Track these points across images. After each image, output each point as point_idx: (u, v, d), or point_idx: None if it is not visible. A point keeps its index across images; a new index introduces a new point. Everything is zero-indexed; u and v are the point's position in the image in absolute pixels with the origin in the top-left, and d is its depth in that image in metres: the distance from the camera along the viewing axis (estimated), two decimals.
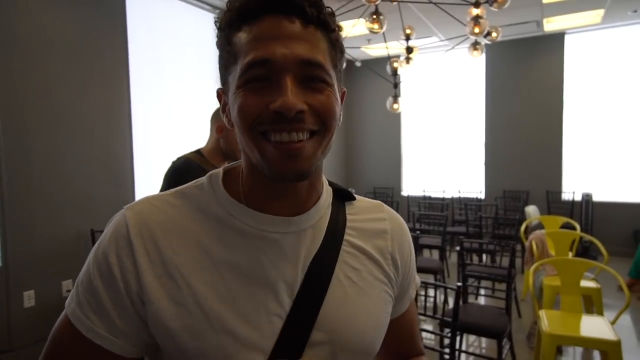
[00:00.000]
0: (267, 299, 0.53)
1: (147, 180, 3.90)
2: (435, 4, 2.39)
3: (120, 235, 0.53)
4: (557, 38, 6.08)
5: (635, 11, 5.11)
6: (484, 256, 4.68)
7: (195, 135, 4.22)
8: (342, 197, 0.64)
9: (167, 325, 0.51)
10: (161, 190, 1.84)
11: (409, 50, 3.60)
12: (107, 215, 3.35)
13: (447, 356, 2.07)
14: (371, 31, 2.60)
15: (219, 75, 0.57)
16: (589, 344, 2.56)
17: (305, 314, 0.54)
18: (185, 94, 4.44)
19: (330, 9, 0.53)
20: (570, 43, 6.08)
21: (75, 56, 3.28)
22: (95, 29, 3.42)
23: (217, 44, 0.56)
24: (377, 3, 2.41)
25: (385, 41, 3.72)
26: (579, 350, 3.13)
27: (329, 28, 0.52)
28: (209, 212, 0.56)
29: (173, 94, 4.31)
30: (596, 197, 5.78)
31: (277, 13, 0.50)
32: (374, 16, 2.52)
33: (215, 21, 0.55)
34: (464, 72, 6.80)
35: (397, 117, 7.21)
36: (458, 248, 3.05)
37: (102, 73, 3.46)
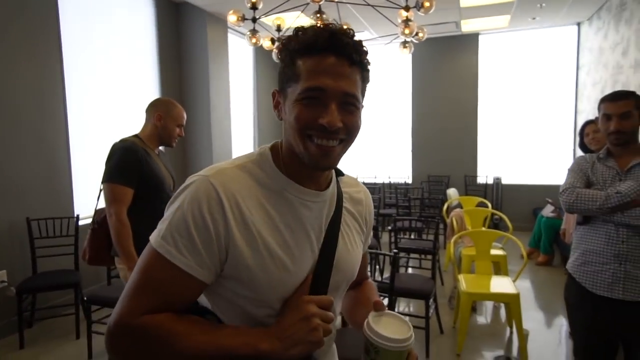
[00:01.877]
0: (306, 247, 0.78)
1: (84, 166, 3.80)
2: (371, 5, 2.67)
3: (212, 198, 0.71)
4: (473, 38, 6.78)
5: (534, 18, 5.89)
6: (412, 235, 5.20)
7: (133, 120, 4.18)
8: (336, 173, 0.89)
9: (246, 262, 0.72)
10: (109, 168, 1.96)
11: None
12: (44, 204, 3.40)
13: None
14: None
15: (278, 79, 0.79)
16: (497, 298, 3.09)
17: (327, 257, 0.80)
18: (120, 80, 4.35)
19: (366, 50, 0.76)
20: (483, 43, 6.82)
21: (1, 36, 3.12)
22: (23, 8, 3.26)
23: (280, 58, 0.77)
24: (320, 3, 2.64)
25: None
26: (490, 305, 3.70)
27: (365, 68, 0.76)
28: (267, 185, 0.77)
29: (109, 79, 4.20)
30: (504, 181, 6.62)
31: (333, 53, 0.72)
32: (318, 14, 2.76)
33: (283, 41, 0.77)
34: (392, 66, 7.30)
35: None
36: (389, 228, 3.44)
37: (31, 55, 3.30)
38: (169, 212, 0.73)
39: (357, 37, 0.75)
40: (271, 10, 3.39)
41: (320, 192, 0.80)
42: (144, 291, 0.70)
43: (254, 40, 3.22)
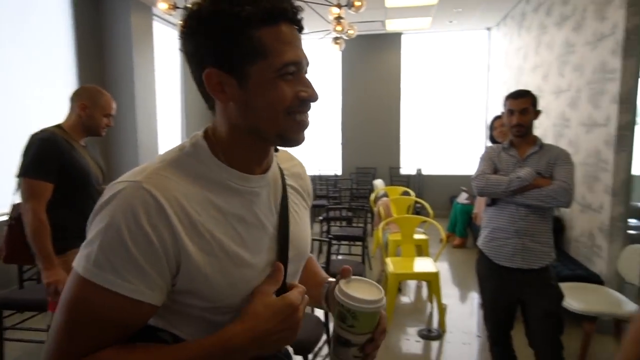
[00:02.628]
0: (262, 236, 0.72)
1: None
2: (304, 1, 2.76)
3: (150, 206, 0.60)
4: (396, 37, 7.18)
5: (451, 21, 6.40)
6: (343, 223, 5.43)
7: (53, 111, 3.87)
8: None
9: (203, 272, 0.63)
10: (25, 162, 1.85)
11: None
12: None
13: None
14: None
15: (210, 54, 0.64)
16: (420, 277, 3.38)
17: (283, 242, 0.75)
18: (33, 68, 3.99)
19: None
20: (406, 42, 7.25)
21: None
22: None
23: (212, 29, 0.62)
24: None
25: None
26: (413, 285, 4.02)
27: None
28: (209, 178, 0.68)
29: (19, 67, 3.84)
30: (425, 171, 7.14)
31: (288, 21, 0.65)
32: None
33: (212, 10, 0.62)
34: (322, 61, 7.48)
35: None
36: (321, 218, 3.59)
37: None
38: (96, 230, 0.60)
39: None
40: None
41: (265, 175, 0.73)
42: (81, 330, 0.60)
43: None
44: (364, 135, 7.40)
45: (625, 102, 2.77)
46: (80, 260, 0.61)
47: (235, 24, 0.62)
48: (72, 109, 2.01)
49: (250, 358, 0.65)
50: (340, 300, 0.71)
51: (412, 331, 3.12)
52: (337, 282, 0.77)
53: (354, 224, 4.91)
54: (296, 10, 0.66)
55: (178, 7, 3.18)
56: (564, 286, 2.08)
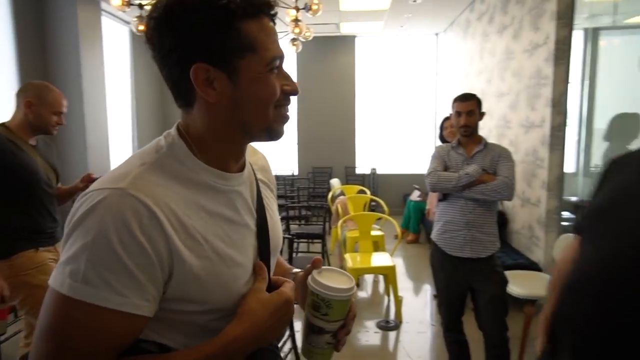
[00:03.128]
0: (247, 236, 0.72)
1: None
2: None
3: (142, 214, 0.57)
4: (351, 39, 7.37)
5: (402, 26, 6.67)
6: (301, 222, 5.51)
7: None
8: None
9: (197, 275, 0.62)
10: None
11: None
12: None
13: None
14: None
15: (197, 48, 0.61)
16: (377, 271, 3.53)
17: (264, 239, 0.75)
18: None
19: None
20: (360, 44, 7.45)
21: None
22: None
23: (195, 20, 0.60)
24: None
25: None
26: (370, 280, 4.18)
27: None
28: (193, 180, 0.66)
29: None
30: (379, 171, 7.38)
31: (268, 15, 0.65)
32: None
33: (208, 2, 0.60)
34: None
35: None
36: (280, 217, 3.65)
37: None
38: (81, 244, 0.56)
39: None
40: None
41: (242, 172, 0.73)
42: (72, 357, 0.56)
43: (141, 27, 3.09)
44: (320, 136, 7.52)
45: (557, 105, 3.07)
46: (62, 279, 0.56)
47: (224, 16, 0.60)
48: (18, 106, 1.93)
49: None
50: (315, 290, 0.71)
51: (371, 324, 3.25)
52: (306, 273, 0.77)
53: (313, 223, 5.00)
54: (274, 4, 0.66)
55: (132, 4, 3.12)
56: (508, 274, 2.27)
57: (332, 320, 0.73)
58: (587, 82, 3.24)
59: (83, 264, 0.55)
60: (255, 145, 0.79)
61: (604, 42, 3.88)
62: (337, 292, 0.71)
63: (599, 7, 3.45)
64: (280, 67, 0.67)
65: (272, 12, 0.66)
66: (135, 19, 3.11)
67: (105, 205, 0.56)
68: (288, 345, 2.53)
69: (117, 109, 5.99)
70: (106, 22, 5.52)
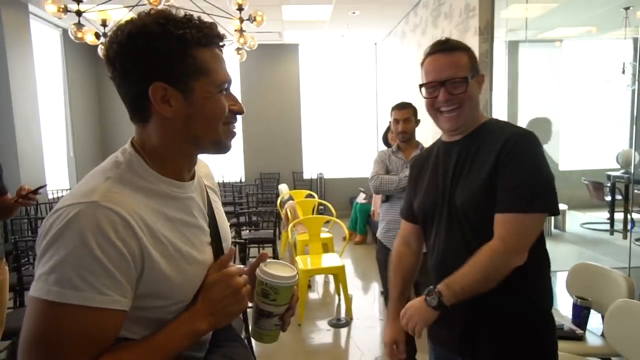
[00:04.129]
0: (202, 237, 0.82)
1: None
2: (207, 14, 2.84)
3: (117, 223, 0.65)
4: (294, 47, 7.52)
5: (343, 36, 6.93)
6: (250, 228, 5.53)
7: None
8: None
9: (164, 272, 0.71)
10: None
11: None
12: None
13: None
14: None
15: (157, 70, 0.71)
16: (328, 271, 3.68)
17: (216, 236, 0.86)
18: None
19: None
20: (303, 52, 7.63)
21: None
22: None
23: (156, 46, 0.69)
24: (159, 6, 2.69)
25: None
26: (321, 282, 4.32)
27: None
28: (150, 190, 0.74)
29: None
30: (326, 175, 7.58)
31: (218, 46, 0.77)
32: None
33: (160, 31, 0.69)
34: None
35: None
36: (229, 223, 3.68)
37: None
38: (61, 255, 0.62)
39: None
40: (97, 4, 3.21)
41: (193, 181, 0.83)
42: (65, 355, 0.62)
43: (79, 35, 3.01)
44: (266, 142, 7.58)
45: (483, 112, 3.40)
46: (47, 288, 0.61)
47: (181, 45, 0.70)
48: None
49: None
50: (264, 280, 0.82)
51: (323, 323, 3.38)
52: (254, 267, 0.88)
53: (263, 228, 5.06)
54: (223, 37, 0.78)
55: (70, 11, 3.03)
56: None
57: (280, 304, 0.84)
58: (509, 90, 3.62)
59: (67, 271, 0.61)
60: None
61: (522, 53, 4.34)
62: (283, 280, 0.82)
63: (515, 23, 3.86)
64: (228, 90, 0.78)
65: (222, 43, 0.77)
66: (74, 26, 3.02)
67: (79, 219, 0.63)
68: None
69: (49, 115, 5.68)
70: (35, 25, 5.22)
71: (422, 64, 1.20)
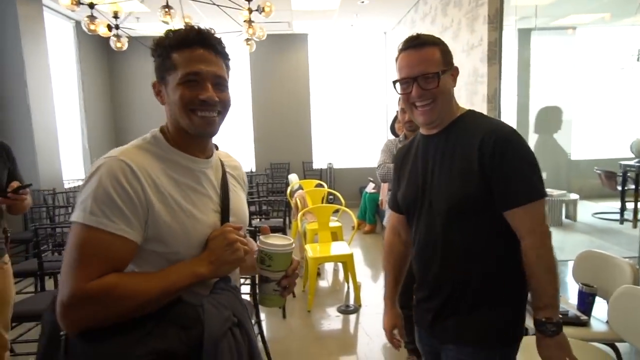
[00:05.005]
0: (208, 202, 0.97)
1: None
2: (217, 5, 2.88)
3: (127, 171, 0.85)
4: (303, 37, 7.51)
5: (352, 25, 6.91)
6: (261, 217, 5.61)
7: None
8: None
9: (163, 218, 0.87)
10: None
11: None
12: None
13: None
14: (164, 22, 2.90)
15: (155, 69, 0.95)
16: (336, 259, 3.74)
17: (225, 207, 0.99)
18: None
19: (224, 45, 0.98)
20: (312, 42, 7.62)
21: None
22: None
23: (155, 54, 0.93)
24: None
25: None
26: (330, 270, 4.38)
27: (226, 58, 0.98)
28: (165, 158, 0.93)
29: None
30: (336, 165, 7.61)
31: (201, 46, 0.91)
32: (166, 9, 2.83)
33: (156, 41, 0.93)
34: (231, 60, 7.51)
35: None
36: None
37: None
38: (87, 192, 0.83)
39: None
40: None
41: (207, 159, 0.99)
42: (87, 262, 0.80)
43: (92, 27, 3.07)
44: (277, 132, 7.63)
45: (492, 101, 3.40)
46: (78, 214, 0.82)
47: (163, 50, 0.92)
48: None
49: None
50: (260, 247, 0.95)
51: (332, 309, 3.45)
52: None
53: (273, 217, 5.13)
54: (207, 38, 0.92)
55: (82, 3, 3.09)
56: None
57: (275, 270, 0.96)
58: (520, 78, 3.60)
59: (90, 202, 0.82)
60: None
61: (534, 41, 4.30)
62: (276, 247, 0.95)
63: (525, 10, 3.82)
64: (201, 82, 0.91)
65: (207, 43, 0.93)
66: (87, 19, 3.09)
67: (103, 167, 0.85)
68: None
69: (64, 107, 5.79)
70: (48, 17, 5.31)
71: (396, 60, 1.23)
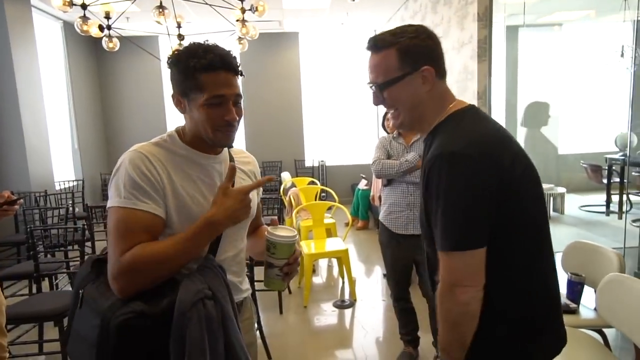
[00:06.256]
0: (215, 192, 1.06)
1: None
2: (209, 5, 2.89)
3: (146, 162, 1.01)
4: (294, 36, 7.53)
5: (343, 24, 6.95)
6: None
7: None
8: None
9: (173, 205, 1.02)
10: None
11: (181, 37, 3.99)
12: None
13: None
14: (157, 22, 2.90)
15: (175, 84, 1.05)
16: (331, 255, 3.79)
17: None
18: None
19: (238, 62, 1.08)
20: (303, 40, 7.64)
21: None
22: None
23: (176, 69, 1.03)
24: None
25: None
26: (324, 266, 4.43)
27: (241, 74, 1.07)
28: (180, 154, 1.08)
29: None
30: (328, 163, 7.65)
31: (225, 70, 1.02)
32: (160, 10, 2.84)
33: (179, 55, 1.03)
34: None
35: (159, 97, 7.33)
36: None
37: None
38: (116, 181, 1.00)
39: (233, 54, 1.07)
40: None
41: (217, 155, 1.13)
42: (127, 236, 0.96)
43: (85, 28, 3.07)
44: (268, 130, 7.65)
45: (482, 98, 3.47)
46: (114, 199, 0.99)
47: (188, 70, 1.01)
48: None
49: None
50: (267, 237, 1.08)
51: (328, 305, 3.50)
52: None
53: (266, 215, 5.16)
54: (230, 63, 1.03)
55: (75, 4, 3.08)
56: None
57: (278, 258, 1.09)
58: (508, 75, 3.68)
59: (122, 189, 0.98)
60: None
61: (521, 38, 4.38)
62: (279, 238, 1.07)
63: (514, 8, 3.90)
64: (225, 104, 1.03)
65: (231, 68, 1.03)
66: (80, 20, 3.08)
67: (126, 159, 1.02)
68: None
69: (54, 108, 5.75)
70: (36, 17, 5.26)
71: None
